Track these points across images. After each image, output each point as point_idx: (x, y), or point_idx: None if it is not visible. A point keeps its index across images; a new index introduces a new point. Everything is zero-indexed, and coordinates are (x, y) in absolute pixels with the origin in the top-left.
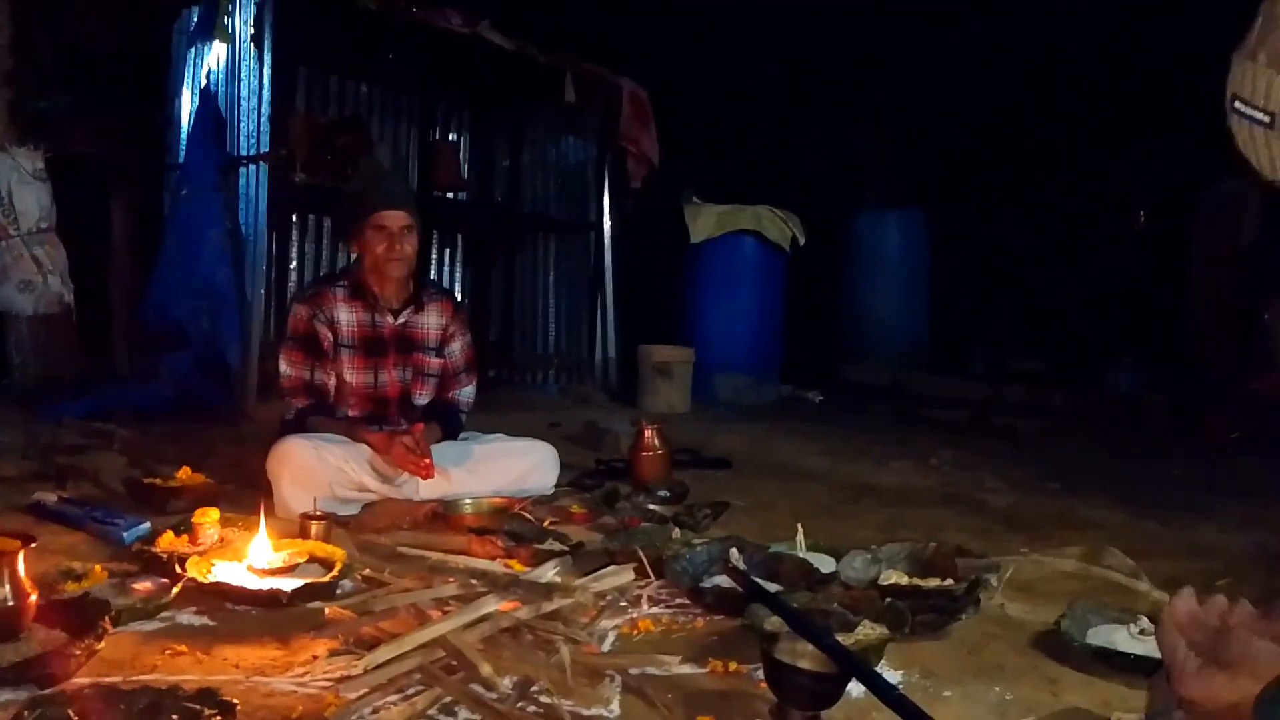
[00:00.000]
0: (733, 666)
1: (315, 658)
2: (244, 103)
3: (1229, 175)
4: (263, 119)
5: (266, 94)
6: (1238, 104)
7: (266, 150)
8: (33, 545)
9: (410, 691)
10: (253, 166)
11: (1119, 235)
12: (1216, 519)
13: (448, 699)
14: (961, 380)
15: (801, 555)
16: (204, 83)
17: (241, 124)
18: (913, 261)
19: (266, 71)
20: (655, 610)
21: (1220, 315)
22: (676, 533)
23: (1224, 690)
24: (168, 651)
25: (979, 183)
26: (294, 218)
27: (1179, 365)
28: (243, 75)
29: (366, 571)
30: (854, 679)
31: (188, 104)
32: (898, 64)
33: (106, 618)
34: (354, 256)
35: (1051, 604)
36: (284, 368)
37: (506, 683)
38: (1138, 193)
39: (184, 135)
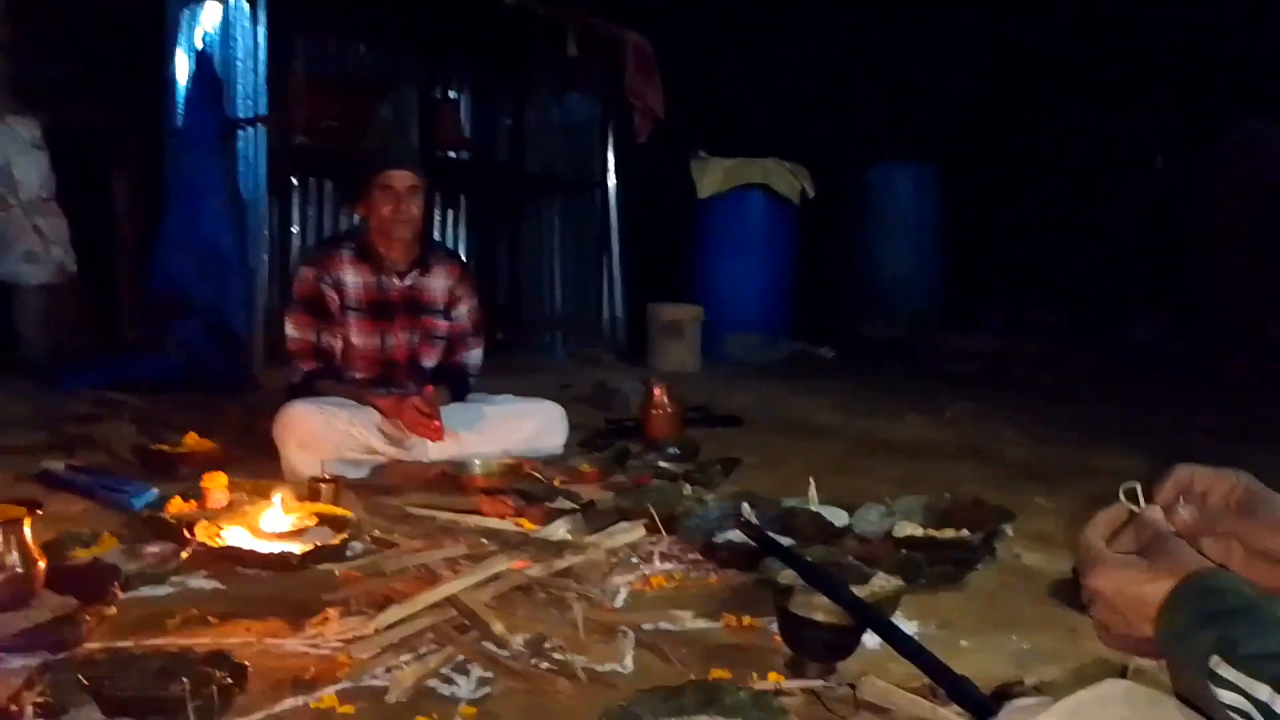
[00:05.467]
0: (746, 621)
1: (327, 619)
2: (240, 64)
3: (1252, 117)
4: (260, 80)
5: (263, 54)
6: None
7: (265, 113)
8: (39, 512)
9: (423, 651)
10: (251, 129)
11: (1139, 182)
12: (1239, 470)
13: (461, 658)
14: (977, 334)
15: (814, 509)
16: (199, 45)
17: (238, 86)
18: (926, 214)
19: (262, 31)
20: (668, 566)
21: (1242, 260)
22: (688, 490)
23: (1134, 582)
24: (179, 616)
25: (992, 132)
26: (295, 181)
27: (1200, 313)
28: (238, 36)
29: (376, 533)
30: (870, 631)
31: (184, 67)
32: (909, 12)
33: (117, 583)
34: (357, 219)
35: (1068, 553)
36: (290, 331)
37: (519, 640)
38: (1157, 137)
39: (181, 99)
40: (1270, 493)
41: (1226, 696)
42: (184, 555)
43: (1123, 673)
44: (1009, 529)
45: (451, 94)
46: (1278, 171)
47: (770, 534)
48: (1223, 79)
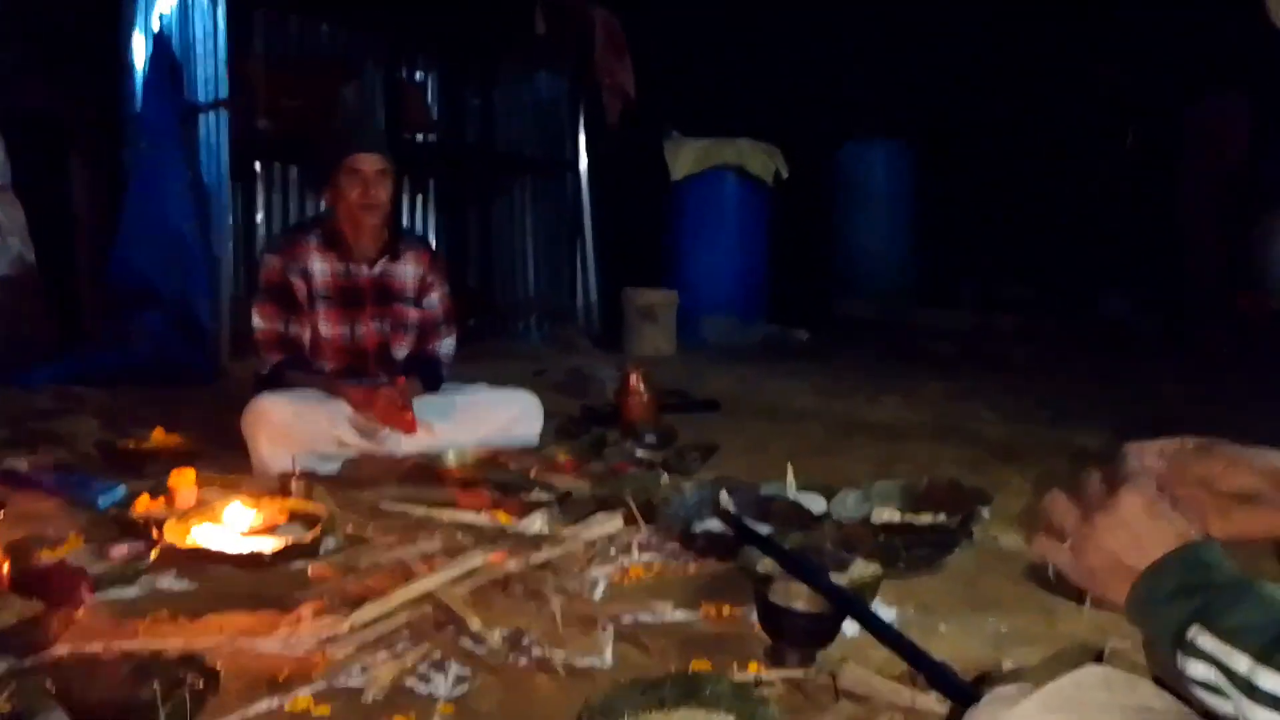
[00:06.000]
0: (726, 610)
1: (300, 618)
2: (199, 46)
3: (1216, 91)
4: (220, 63)
5: (222, 36)
6: None
7: (226, 96)
8: (1, 513)
9: (399, 649)
10: (212, 114)
11: (1107, 156)
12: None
13: (438, 655)
14: (952, 311)
15: (792, 496)
16: (156, 27)
17: (198, 69)
18: (899, 192)
19: (220, 12)
20: (646, 557)
21: (1208, 232)
22: (665, 477)
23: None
24: (149, 617)
25: (963, 109)
26: (258, 167)
27: (1171, 286)
28: (196, 18)
29: (350, 529)
30: (849, 618)
31: (141, 51)
32: None
33: (84, 585)
34: (324, 205)
35: None
36: (257, 321)
37: (497, 636)
38: (1125, 112)
39: (139, 84)
40: (1222, 441)
41: (1196, 668)
42: (153, 555)
43: (1099, 655)
44: (985, 511)
45: (418, 75)
46: (1238, 146)
47: (748, 522)
48: (1189, 53)
